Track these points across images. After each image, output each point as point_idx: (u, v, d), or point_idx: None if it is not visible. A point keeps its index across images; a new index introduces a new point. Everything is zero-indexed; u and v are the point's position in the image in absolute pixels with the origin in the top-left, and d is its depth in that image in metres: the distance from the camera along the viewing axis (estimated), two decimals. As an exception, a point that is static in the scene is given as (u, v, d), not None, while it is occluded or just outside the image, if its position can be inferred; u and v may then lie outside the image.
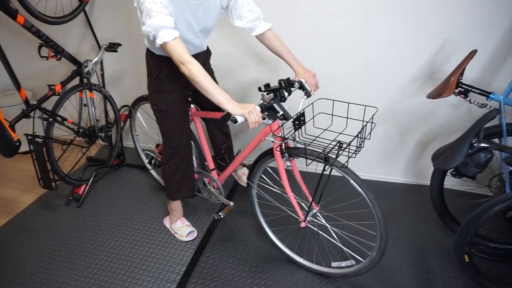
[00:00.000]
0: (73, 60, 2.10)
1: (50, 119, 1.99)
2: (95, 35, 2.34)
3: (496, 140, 1.68)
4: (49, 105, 1.99)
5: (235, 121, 1.26)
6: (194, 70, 1.28)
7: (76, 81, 2.16)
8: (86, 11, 2.26)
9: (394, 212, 2.09)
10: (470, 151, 1.34)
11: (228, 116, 1.27)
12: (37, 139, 1.91)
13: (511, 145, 1.84)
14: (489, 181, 1.84)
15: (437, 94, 1.70)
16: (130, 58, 2.36)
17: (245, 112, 1.25)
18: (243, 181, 2.25)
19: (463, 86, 1.67)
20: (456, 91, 1.67)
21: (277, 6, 2.02)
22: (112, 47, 2.17)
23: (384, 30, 1.98)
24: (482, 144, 1.33)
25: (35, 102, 1.92)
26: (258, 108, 1.31)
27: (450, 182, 1.92)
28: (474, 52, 1.65)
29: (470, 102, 1.71)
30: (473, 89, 1.66)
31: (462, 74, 1.66)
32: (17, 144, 1.76)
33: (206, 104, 1.81)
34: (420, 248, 1.86)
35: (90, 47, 2.47)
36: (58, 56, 1.99)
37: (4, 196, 2.35)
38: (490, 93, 1.65)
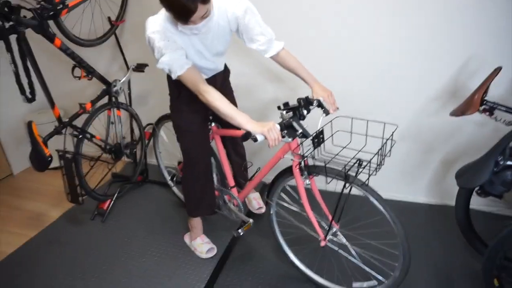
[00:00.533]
0: (103, 80, 2.21)
1: (80, 136, 2.09)
2: (124, 56, 2.46)
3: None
4: (79, 122, 2.09)
5: (255, 140, 1.29)
6: (210, 98, 1.37)
7: (105, 99, 2.26)
8: (116, 34, 2.39)
9: (417, 233, 2.03)
10: (495, 169, 1.30)
11: (248, 135, 1.30)
12: (67, 155, 2.00)
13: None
14: (518, 202, 1.78)
15: (461, 111, 1.68)
16: (156, 78, 2.44)
17: (264, 130, 1.28)
18: (253, 206, 2.22)
19: (488, 103, 1.64)
20: (481, 108, 1.64)
21: (292, 24, 2.07)
22: (140, 67, 2.28)
23: (406, 47, 1.99)
24: (509, 162, 1.30)
25: (67, 120, 2.02)
26: (278, 126, 1.33)
27: (477, 202, 1.87)
28: (498, 69, 1.63)
29: (496, 120, 1.67)
30: (499, 107, 1.63)
31: (486, 91, 1.63)
32: (49, 159, 1.85)
33: (228, 122, 1.81)
34: (445, 271, 1.79)
35: (119, 67, 2.60)
36: (90, 76, 2.10)
37: (34, 210, 2.44)
38: (516, 110, 1.61)
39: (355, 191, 1.42)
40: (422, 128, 2.15)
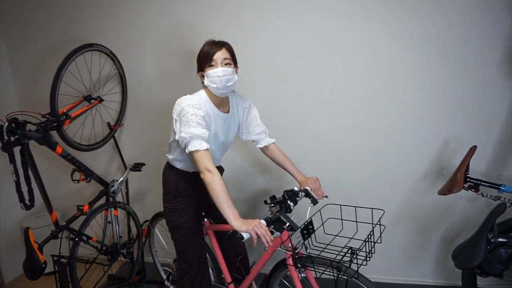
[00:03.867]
0: (101, 181, 2.28)
1: (76, 239, 2.08)
2: (122, 157, 2.58)
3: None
4: (75, 224, 2.10)
5: (242, 238, 1.28)
6: (215, 179, 1.39)
7: (102, 200, 2.31)
8: (115, 137, 2.53)
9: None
10: (489, 247, 1.30)
11: (234, 233, 1.30)
12: (62, 260, 1.97)
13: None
14: (525, 278, 1.72)
15: (447, 190, 1.73)
16: (152, 175, 2.52)
17: (249, 228, 1.28)
18: None
19: (471, 180, 1.70)
20: (466, 185, 1.70)
21: (283, 121, 2.23)
22: (137, 167, 2.37)
23: (387, 132, 2.12)
24: (500, 239, 1.30)
25: (64, 223, 2.03)
26: (263, 222, 1.34)
27: (485, 281, 1.80)
28: (474, 148, 1.73)
29: (483, 196, 1.71)
30: (482, 183, 1.68)
31: (467, 169, 1.71)
32: (43, 266, 1.81)
33: (220, 217, 1.75)
34: None
35: (117, 167, 2.69)
36: (88, 179, 2.18)
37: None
38: (500, 185, 1.66)
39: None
40: (414, 208, 2.18)
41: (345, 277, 1.32)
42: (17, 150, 1.79)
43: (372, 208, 1.37)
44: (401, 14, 1.94)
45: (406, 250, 2.26)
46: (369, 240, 1.27)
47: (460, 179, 1.66)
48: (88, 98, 2.30)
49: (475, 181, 1.68)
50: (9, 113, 1.75)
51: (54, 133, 1.96)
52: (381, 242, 1.27)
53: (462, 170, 1.68)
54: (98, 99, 2.35)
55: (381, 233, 1.29)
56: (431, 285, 2.24)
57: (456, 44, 1.91)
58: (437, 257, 2.23)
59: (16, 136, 1.75)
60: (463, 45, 1.91)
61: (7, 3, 2.57)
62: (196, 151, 1.43)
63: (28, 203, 1.84)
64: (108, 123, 2.47)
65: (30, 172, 1.86)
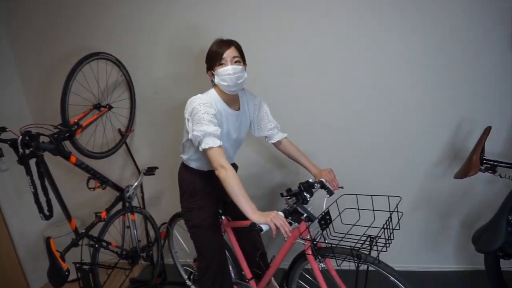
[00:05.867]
0: (116, 187, 2.31)
1: (96, 245, 2.11)
2: (135, 162, 2.60)
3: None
4: (95, 230, 2.13)
5: (261, 230, 1.29)
6: (230, 175, 1.41)
7: (119, 205, 2.34)
8: (127, 143, 2.56)
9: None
10: (509, 228, 1.28)
11: (253, 226, 1.31)
12: (84, 267, 2.00)
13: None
14: (550, 258, 1.68)
15: (463, 173, 1.70)
16: (166, 178, 2.55)
17: (268, 219, 1.30)
18: None
19: (487, 162, 1.67)
20: (482, 167, 1.67)
21: (294, 115, 2.22)
22: (150, 171, 2.39)
23: (397, 117, 2.09)
24: (521, 220, 1.28)
25: (83, 231, 2.06)
26: (281, 213, 1.35)
27: (509, 264, 1.77)
28: (489, 129, 1.69)
29: (501, 177, 1.67)
30: (499, 164, 1.65)
31: (483, 151, 1.68)
32: (66, 273, 1.85)
33: (237, 214, 1.79)
34: None
35: (131, 173, 2.72)
36: (104, 186, 2.21)
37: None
38: (518, 165, 1.63)
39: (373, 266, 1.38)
40: (433, 193, 2.15)
41: (366, 265, 1.32)
42: (32, 162, 1.82)
43: (388, 196, 1.36)
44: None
45: (426, 237, 2.24)
46: (388, 227, 1.26)
47: (476, 161, 1.63)
48: (97, 106, 2.33)
49: (492, 163, 1.65)
50: (22, 127, 1.78)
51: (67, 143, 1.99)
52: (399, 229, 1.26)
53: (477, 152, 1.65)
54: (107, 106, 2.37)
55: (399, 220, 1.28)
56: (453, 271, 2.21)
57: (467, 23, 1.87)
58: (458, 242, 2.20)
59: (31, 149, 1.78)
60: (474, 24, 1.86)
61: (15, 16, 2.60)
62: (210, 148, 1.45)
63: (47, 213, 1.87)
64: (119, 130, 2.50)
65: (47, 183, 1.89)
